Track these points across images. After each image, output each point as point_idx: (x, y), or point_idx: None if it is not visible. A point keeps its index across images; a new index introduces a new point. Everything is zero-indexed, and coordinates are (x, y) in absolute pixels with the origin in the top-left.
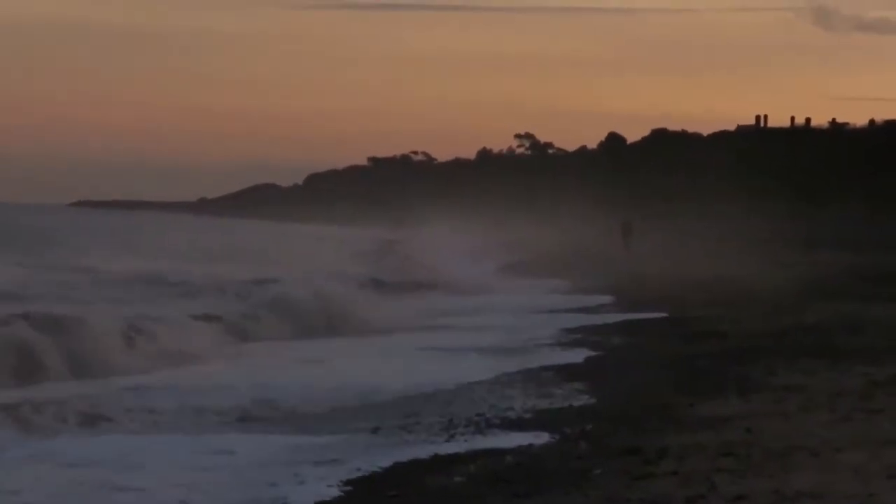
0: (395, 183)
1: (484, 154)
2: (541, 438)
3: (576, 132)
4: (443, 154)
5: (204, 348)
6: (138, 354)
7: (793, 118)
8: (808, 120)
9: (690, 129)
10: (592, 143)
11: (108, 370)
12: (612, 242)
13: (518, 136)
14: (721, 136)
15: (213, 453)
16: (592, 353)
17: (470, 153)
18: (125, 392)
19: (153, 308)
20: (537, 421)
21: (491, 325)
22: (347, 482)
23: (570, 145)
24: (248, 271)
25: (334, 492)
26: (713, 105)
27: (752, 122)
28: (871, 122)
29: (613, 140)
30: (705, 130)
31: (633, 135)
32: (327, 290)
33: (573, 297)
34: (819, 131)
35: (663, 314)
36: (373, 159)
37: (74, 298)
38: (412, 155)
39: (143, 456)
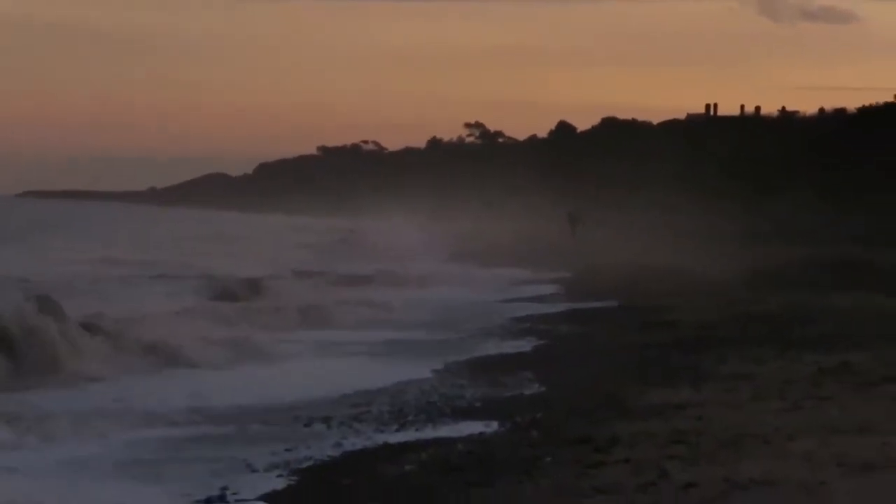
0: (345, 172)
1: (434, 143)
2: (491, 427)
3: (526, 121)
4: (393, 143)
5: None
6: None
7: (742, 107)
8: (757, 109)
9: (640, 117)
10: (542, 132)
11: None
12: (561, 232)
13: (468, 125)
14: (671, 125)
15: (163, 448)
16: (542, 342)
17: (420, 142)
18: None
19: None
20: (488, 410)
21: (440, 315)
22: (298, 472)
23: (520, 134)
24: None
25: (285, 481)
26: (663, 94)
27: (702, 110)
28: (821, 110)
29: (563, 129)
30: (655, 119)
31: (583, 124)
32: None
33: (522, 287)
34: (769, 120)
35: (614, 303)
36: (323, 149)
37: None
38: (362, 144)
39: (94, 453)
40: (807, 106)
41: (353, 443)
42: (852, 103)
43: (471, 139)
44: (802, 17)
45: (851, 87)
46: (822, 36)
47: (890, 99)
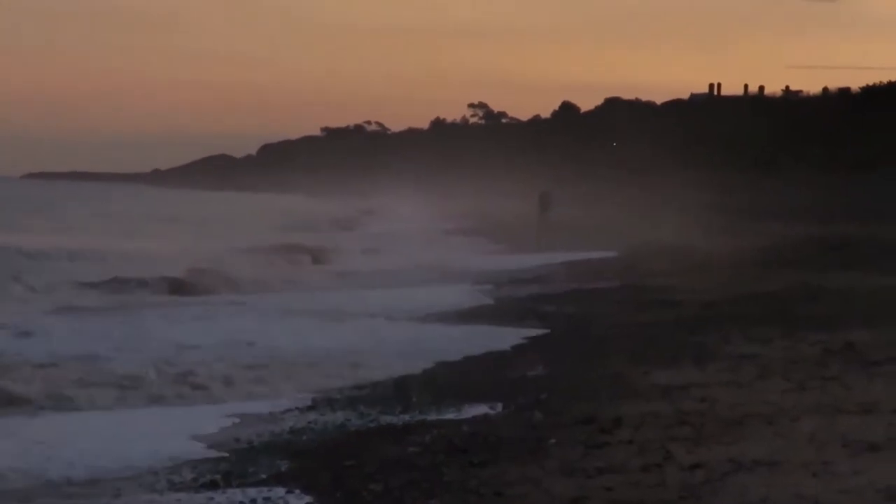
0: (348, 153)
1: (438, 124)
2: (496, 408)
3: (529, 101)
4: (396, 124)
5: None
6: None
7: (746, 86)
8: (761, 88)
9: (644, 97)
10: (546, 113)
11: None
12: (534, 214)
13: (471, 105)
14: (674, 105)
15: (173, 430)
16: (545, 323)
17: (423, 123)
18: None
19: None
20: (492, 391)
21: (443, 296)
22: (301, 453)
23: (524, 114)
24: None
25: (289, 463)
26: (666, 73)
27: (706, 90)
28: (825, 89)
29: (567, 109)
30: (659, 99)
31: (586, 104)
32: None
33: (524, 268)
34: (773, 99)
35: (616, 283)
36: (326, 129)
37: None
38: (366, 125)
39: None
40: (810, 85)
41: (357, 425)
42: (848, 82)
43: (474, 119)
44: None
45: (852, 67)
46: (824, 14)
47: (891, 78)
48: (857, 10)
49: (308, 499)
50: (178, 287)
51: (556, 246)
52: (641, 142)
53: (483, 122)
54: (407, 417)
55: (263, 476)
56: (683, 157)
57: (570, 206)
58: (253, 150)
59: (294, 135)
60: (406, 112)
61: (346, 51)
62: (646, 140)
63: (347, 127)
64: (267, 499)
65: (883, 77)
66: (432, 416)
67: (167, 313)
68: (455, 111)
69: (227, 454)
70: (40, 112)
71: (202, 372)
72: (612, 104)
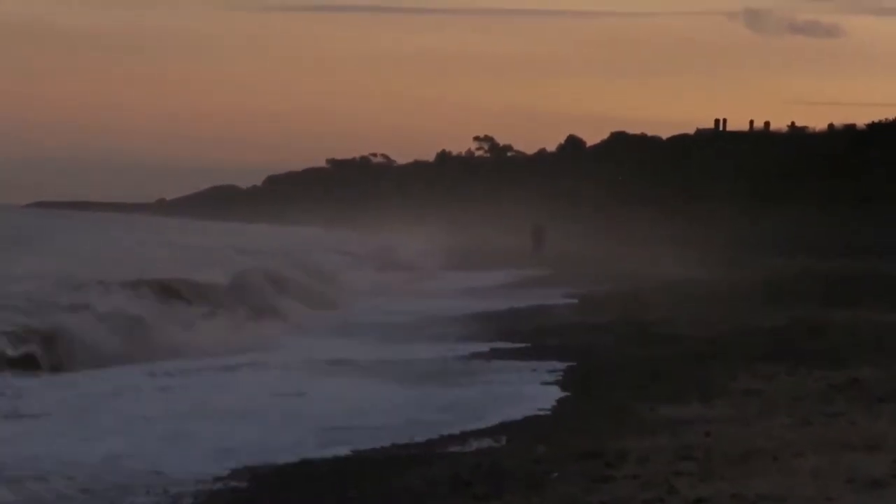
0: (354, 185)
1: (443, 156)
2: (500, 441)
3: (535, 135)
4: (402, 156)
5: None
6: None
7: (752, 122)
8: (767, 124)
9: (650, 132)
10: (551, 146)
11: None
12: (528, 247)
13: (477, 138)
14: (680, 140)
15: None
16: (550, 356)
17: (429, 155)
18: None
19: None
20: (496, 423)
21: (451, 328)
22: (307, 482)
23: (530, 148)
24: None
25: (294, 494)
26: (672, 108)
27: (712, 125)
28: (831, 125)
29: (572, 143)
30: (664, 133)
31: (592, 138)
32: None
33: (533, 302)
34: (778, 135)
35: (620, 316)
36: (331, 161)
37: None
38: (371, 157)
39: None
40: (815, 121)
41: (361, 457)
42: (854, 119)
43: (480, 153)
44: (790, 31)
45: (857, 103)
46: (815, 50)
47: (890, 114)
48: (862, 47)
49: None
50: None
51: (558, 280)
52: (647, 176)
53: (488, 155)
54: (412, 449)
55: None
56: (689, 192)
57: (574, 240)
58: (258, 181)
59: (299, 166)
60: (412, 145)
61: (351, 82)
62: (651, 175)
63: (353, 159)
64: None
65: (888, 114)
66: (437, 449)
67: None
68: (460, 144)
69: (232, 485)
70: (44, 140)
71: None
72: (618, 138)
